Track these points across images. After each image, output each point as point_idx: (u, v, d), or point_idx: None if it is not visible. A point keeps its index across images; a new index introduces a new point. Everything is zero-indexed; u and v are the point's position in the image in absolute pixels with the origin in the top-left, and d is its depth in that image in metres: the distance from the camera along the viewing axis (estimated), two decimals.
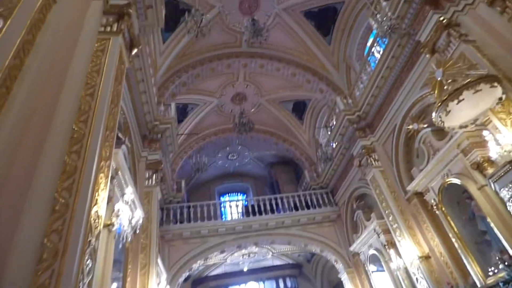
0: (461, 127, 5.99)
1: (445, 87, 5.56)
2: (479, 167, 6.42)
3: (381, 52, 9.71)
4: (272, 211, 13.81)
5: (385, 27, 7.15)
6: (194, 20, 6.94)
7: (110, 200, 4.83)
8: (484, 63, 5.92)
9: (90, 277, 3.18)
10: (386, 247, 10.09)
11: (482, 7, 6.23)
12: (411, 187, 8.47)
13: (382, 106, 10.22)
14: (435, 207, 7.57)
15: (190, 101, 14.71)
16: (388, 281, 10.33)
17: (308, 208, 13.99)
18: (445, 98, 5.37)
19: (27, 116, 3.23)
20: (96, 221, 3.46)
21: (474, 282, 6.67)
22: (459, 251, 6.99)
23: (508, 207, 5.49)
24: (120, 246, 5.95)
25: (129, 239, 6.13)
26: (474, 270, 6.62)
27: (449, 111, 5.46)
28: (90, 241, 3.23)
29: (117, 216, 5.01)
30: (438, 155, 7.41)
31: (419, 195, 8.48)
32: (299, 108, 15.99)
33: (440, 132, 7.60)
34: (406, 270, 9.11)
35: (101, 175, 3.75)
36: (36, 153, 3.19)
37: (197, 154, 13.96)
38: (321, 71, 13.15)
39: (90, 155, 3.55)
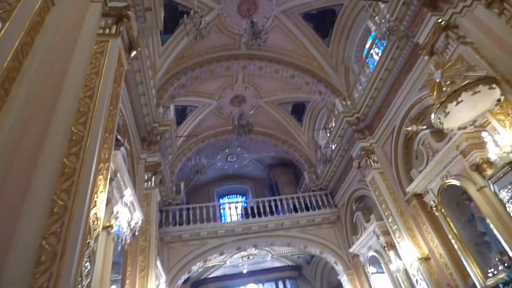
0: (460, 128, 6.00)
1: (443, 89, 5.57)
2: (478, 168, 6.40)
3: (379, 54, 9.74)
4: (272, 213, 13.80)
5: (384, 29, 7.18)
6: (193, 22, 6.93)
7: (109, 202, 4.83)
8: (483, 64, 5.94)
9: (89, 279, 3.17)
10: (386, 248, 10.07)
11: (480, 9, 6.25)
12: (411, 188, 8.46)
13: (381, 108, 10.23)
14: (434, 208, 7.56)
15: (189, 103, 14.71)
16: (388, 283, 10.30)
17: (308, 210, 13.96)
18: (444, 99, 5.37)
19: (26, 118, 3.23)
20: (95, 223, 3.45)
21: (474, 284, 6.66)
22: (459, 252, 6.97)
23: (508, 208, 5.50)
24: (119, 248, 5.94)
25: (128, 241, 6.11)
26: (473, 271, 6.60)
27: (448, 112, 5.46)
28: (88, 243, 3.23)
29: (116, 218, 5.00)
30: (437, 156, 7.41)
31: (419, 196, 8.47)
32: (298, 110, 15.99)
33: (439, 134, 7.60)
34: (406, 272, 9.10)
35: (100, 177, 3.74)
36: (35, 155, 3.19)
37: (196, 156, 13.98)
38: (320, 73, 13.16)
39: (89, 157, 3.55)
